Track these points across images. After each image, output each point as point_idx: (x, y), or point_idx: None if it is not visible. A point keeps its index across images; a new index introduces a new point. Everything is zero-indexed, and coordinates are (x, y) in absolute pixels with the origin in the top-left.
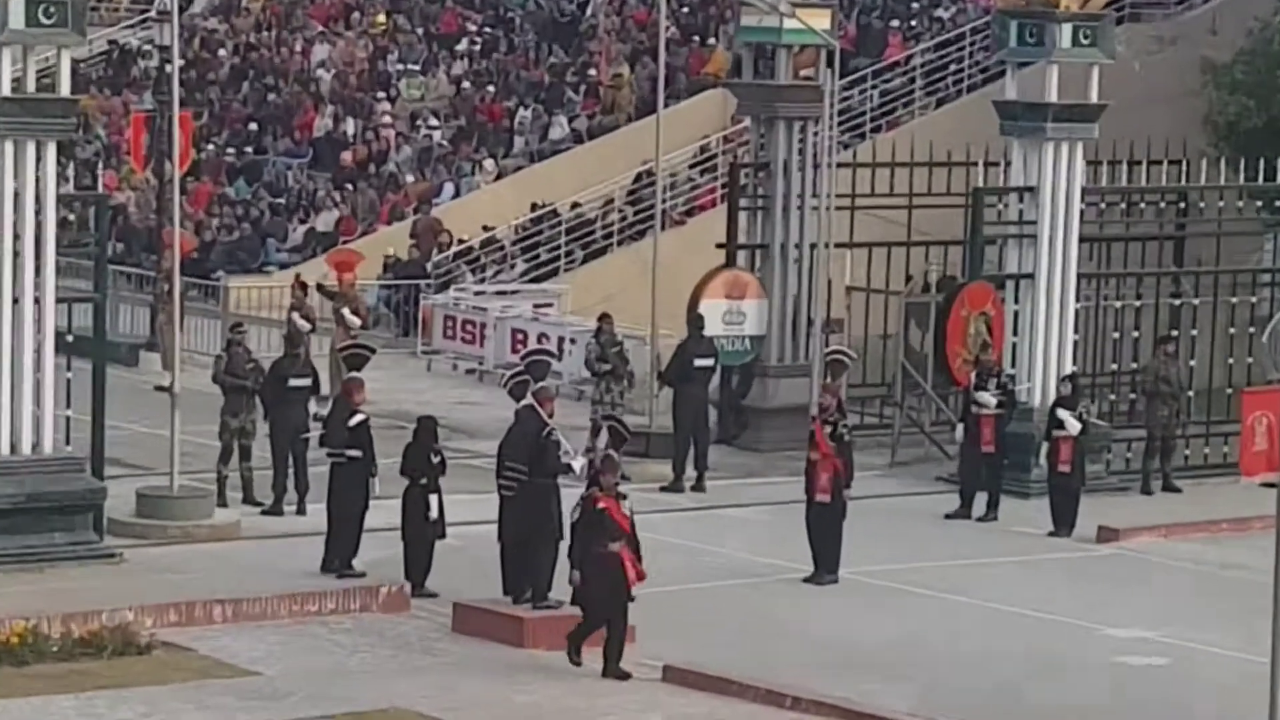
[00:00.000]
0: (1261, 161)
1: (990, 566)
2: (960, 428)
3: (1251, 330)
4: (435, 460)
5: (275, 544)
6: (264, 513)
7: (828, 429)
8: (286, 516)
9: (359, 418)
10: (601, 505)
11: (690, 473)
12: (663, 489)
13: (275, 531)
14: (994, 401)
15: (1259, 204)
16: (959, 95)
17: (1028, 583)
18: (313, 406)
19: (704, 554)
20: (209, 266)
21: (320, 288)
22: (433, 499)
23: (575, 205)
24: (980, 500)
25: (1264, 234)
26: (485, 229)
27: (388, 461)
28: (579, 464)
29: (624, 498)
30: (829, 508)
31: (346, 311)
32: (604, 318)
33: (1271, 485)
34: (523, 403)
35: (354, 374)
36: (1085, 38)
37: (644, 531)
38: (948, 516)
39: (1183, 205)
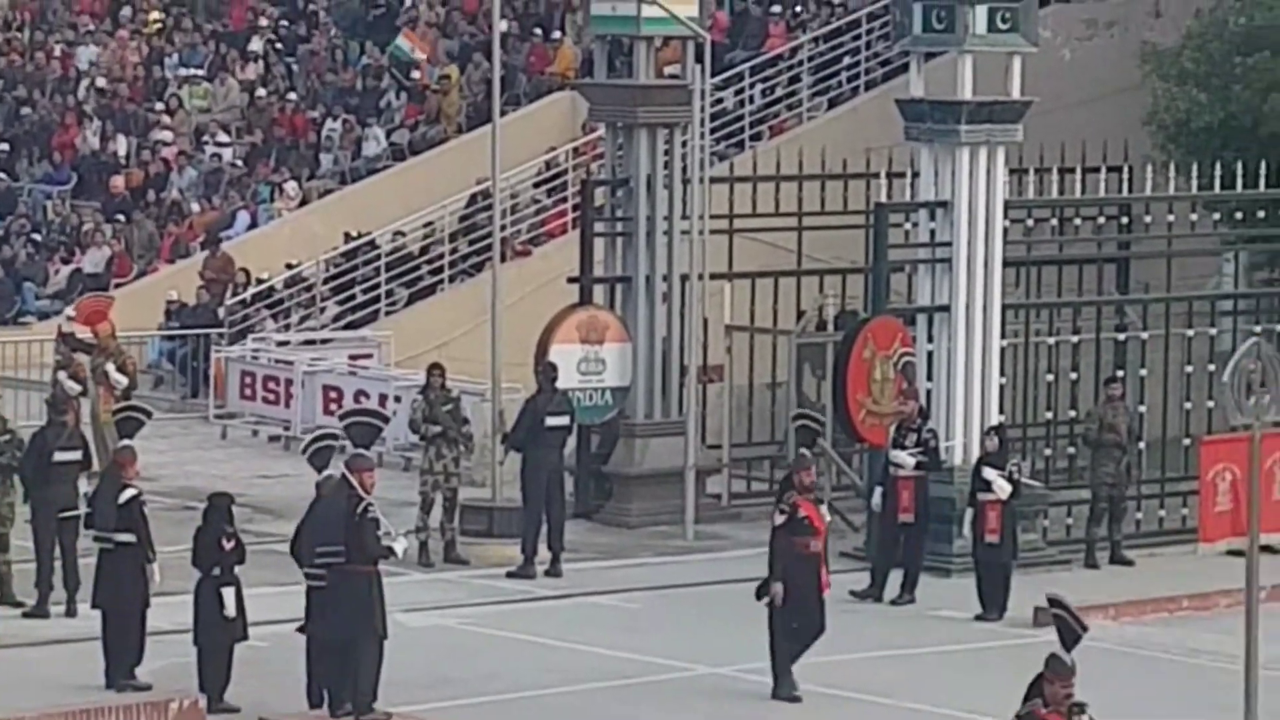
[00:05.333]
0: (1218, 166)
1: (907, 659)
2: (879, 492)
3: (1211, 368)
4: (229, 546)
5: (40, 652)
6: (25, 615)
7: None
8: (54, 619)
9: (130, 492)
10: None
11: (543, 554)
12: (510, 574)
13: (40, 638)
14: (912, 462)
15: (1216, 217)
16: (855, 94)
17: (953, 678)
18: (83, 484)
19: (560, 652)
20: None
21: (69, 339)
22: (228, 593)
23: (397, 235)
24: (894, 579)
25: (1222, 253)
26: (288, 266)
27: (176, 549)
28: (401, 546)
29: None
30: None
31: (111, 368)
32: (433, 369)
33: (1238, 553)
34: (324, 473)
35: (126, 442)
36: (1004, 22)
37: (486, 626)
38: (854, 594)
39: (1126, 220)
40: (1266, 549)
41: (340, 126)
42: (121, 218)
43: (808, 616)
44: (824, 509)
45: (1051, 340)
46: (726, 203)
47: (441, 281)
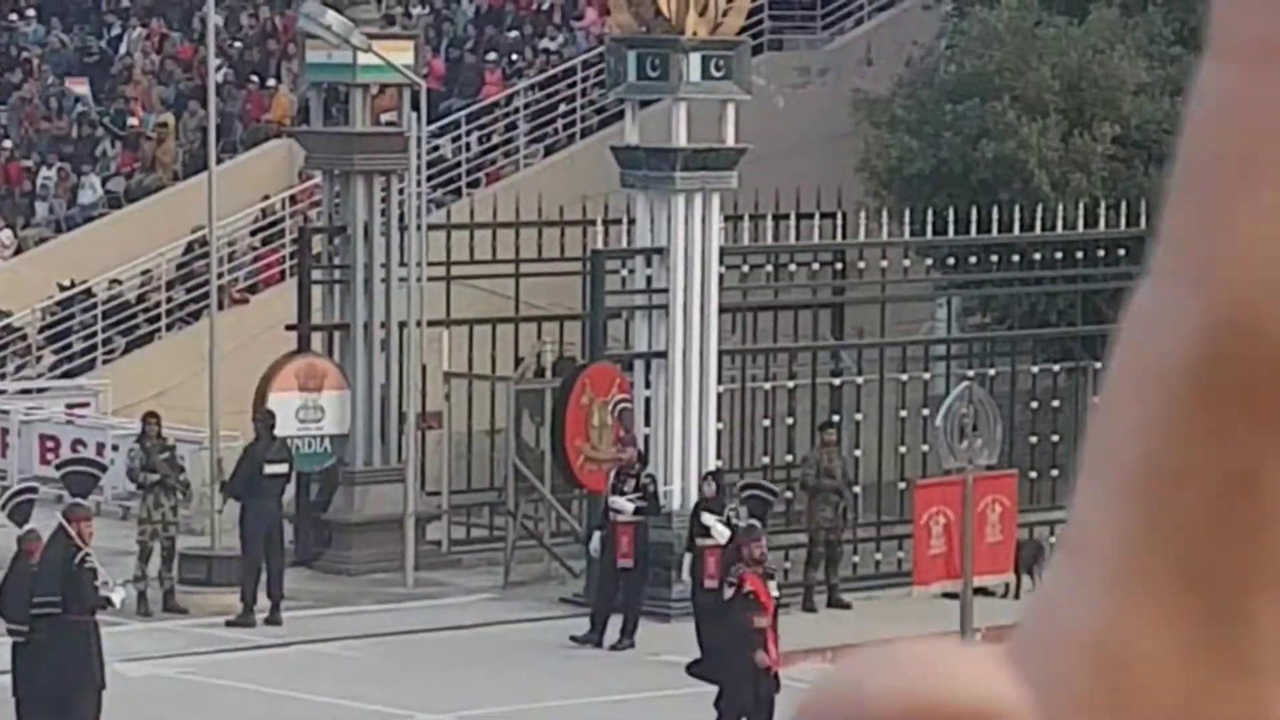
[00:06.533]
0: (929, 213)
1: (627, 704)
2: (598, 537)
3: (925, 412)
4: None
5: None
6: None
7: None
8: None
9: None
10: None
11: (263, 602)
12: (230, 623)
13: None
14: (630, 507)
15: (928, 263)
16: (571, 141)
17: None
18: None
19: (281, 700)
20: None
21: None
22: None
23: (114, 283)
24: (614, 624)
25: (934, 299)
26: (1, 314)
27: None
28: (119, 595)
29: (770, 577)
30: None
31: None
32: (149, 417)
33: (953, 596)
34: (26, 528)
35: None
36: (717, 69)
37: (205, 675)
38: (574, 640)
39: (840, 266)
40: (980, 591)
41: (55, 174)
42: None
43: (750, 692)
44: (773, 584)
45: (768, 385)
46: (444, 250)
47: (159, 329)
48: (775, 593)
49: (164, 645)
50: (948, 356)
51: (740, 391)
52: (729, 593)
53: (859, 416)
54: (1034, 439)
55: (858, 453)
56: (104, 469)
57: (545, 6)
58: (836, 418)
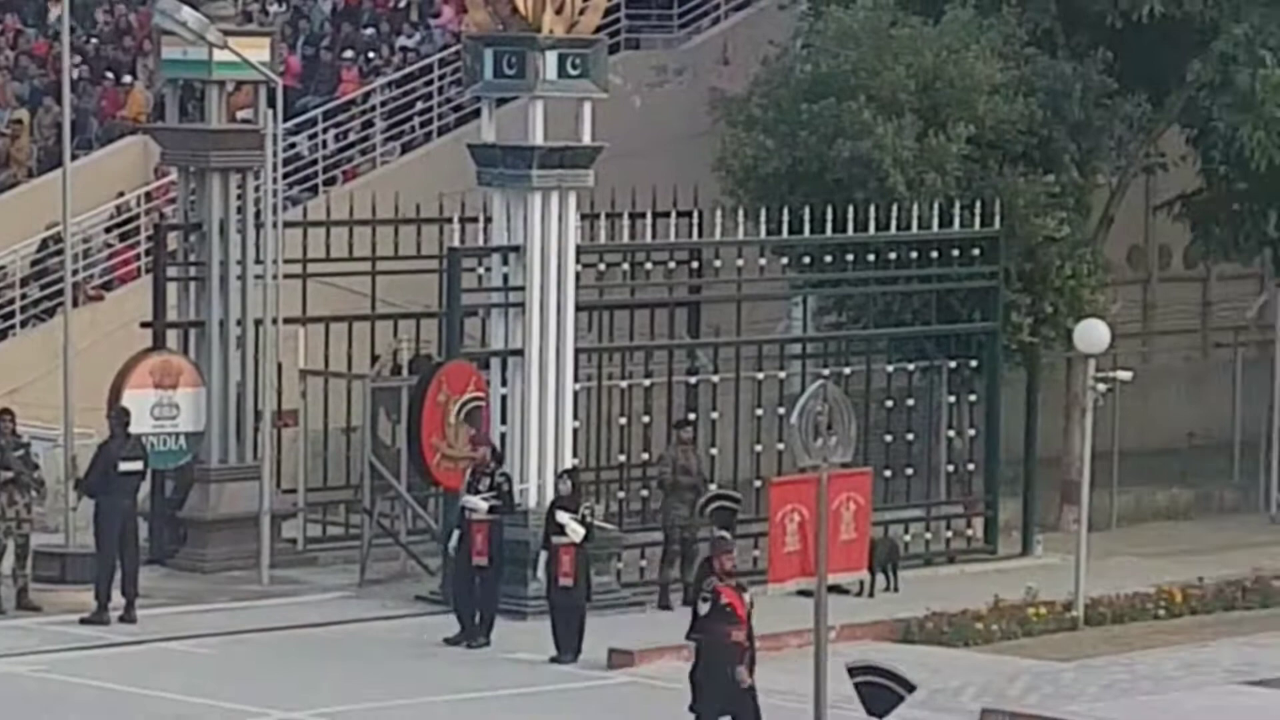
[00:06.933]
0: (785, 212)
1: (484, 701)
2: (455, 535)
3: (780, 410)
4: None
5: None
6: None
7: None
8: None
9: None
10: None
11: (117, 600)
12: (84, 621)
13: None
14: (485, 506)
15: (784, 261)
16: (428, 139)
17: None
18: None
19: (134, 698)
20: None
21: None
22: None
23: None
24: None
25: (790, 297)
26: None
27: None
28: None
29: (744, 589)
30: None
31: None
32: (3, 414)
33: (807, 594)
34: None
35: None
36: (574, 68)
37: (59, 673)
38: (448, 641)
39: (696, 265)
40: (835, 589)
41: None
42: None
43: (721, 707)
44: (748, 596)
45: (624, 384)
46: (300, 247)
47: (13, 326)
48: (750, 602)
49: (17, 643)
50: (803, 355)
51: (597, 389)
52: (704, 608)
53: (715, 415)
54: (889, 437)
55: (714, 451)
56: None
57: (402, 4)
58: (693, 416)
